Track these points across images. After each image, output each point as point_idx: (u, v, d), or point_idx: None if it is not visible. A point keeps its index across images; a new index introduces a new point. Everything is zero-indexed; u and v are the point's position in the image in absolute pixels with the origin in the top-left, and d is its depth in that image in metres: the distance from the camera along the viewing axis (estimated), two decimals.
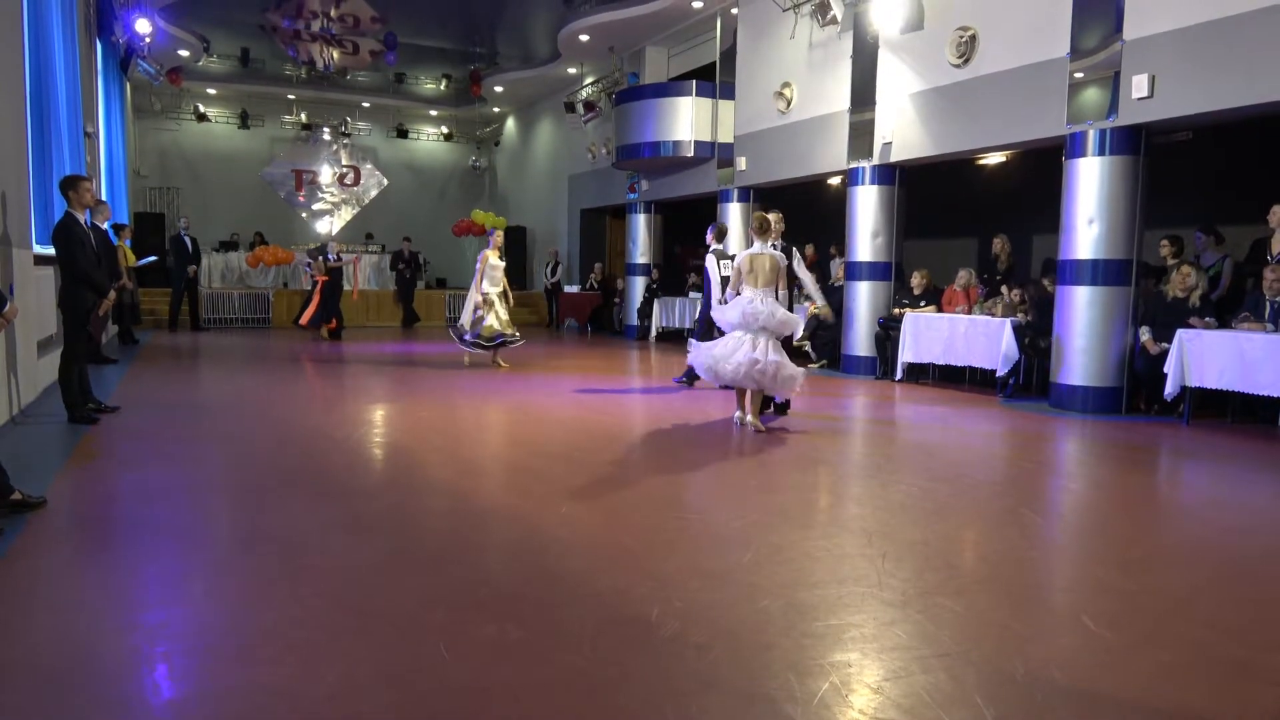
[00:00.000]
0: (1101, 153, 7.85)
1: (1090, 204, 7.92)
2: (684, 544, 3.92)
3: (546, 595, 3.28)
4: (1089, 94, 7.94)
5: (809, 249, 11.89)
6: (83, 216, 6.42)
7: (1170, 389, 7.22)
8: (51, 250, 6.71)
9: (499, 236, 10.62)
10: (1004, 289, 9.35)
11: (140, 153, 20.35)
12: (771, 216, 7.03)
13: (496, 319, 10.31)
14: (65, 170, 9.17)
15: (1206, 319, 7.37)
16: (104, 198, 11.83)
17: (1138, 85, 7.48)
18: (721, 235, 8.83)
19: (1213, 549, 4.11)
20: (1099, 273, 7.93)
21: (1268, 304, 7.07)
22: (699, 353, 6.67)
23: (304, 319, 14.58)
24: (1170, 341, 7.28)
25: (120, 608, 3.15)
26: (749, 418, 6.72)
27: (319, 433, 6.54)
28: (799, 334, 8.18)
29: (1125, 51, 7.61)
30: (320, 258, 14.64)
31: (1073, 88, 8.08)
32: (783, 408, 7.48)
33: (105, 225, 9.95)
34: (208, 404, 8.16)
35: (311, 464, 5.52)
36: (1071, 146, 8.10)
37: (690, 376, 9.24)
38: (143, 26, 13.58)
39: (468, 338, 10.41)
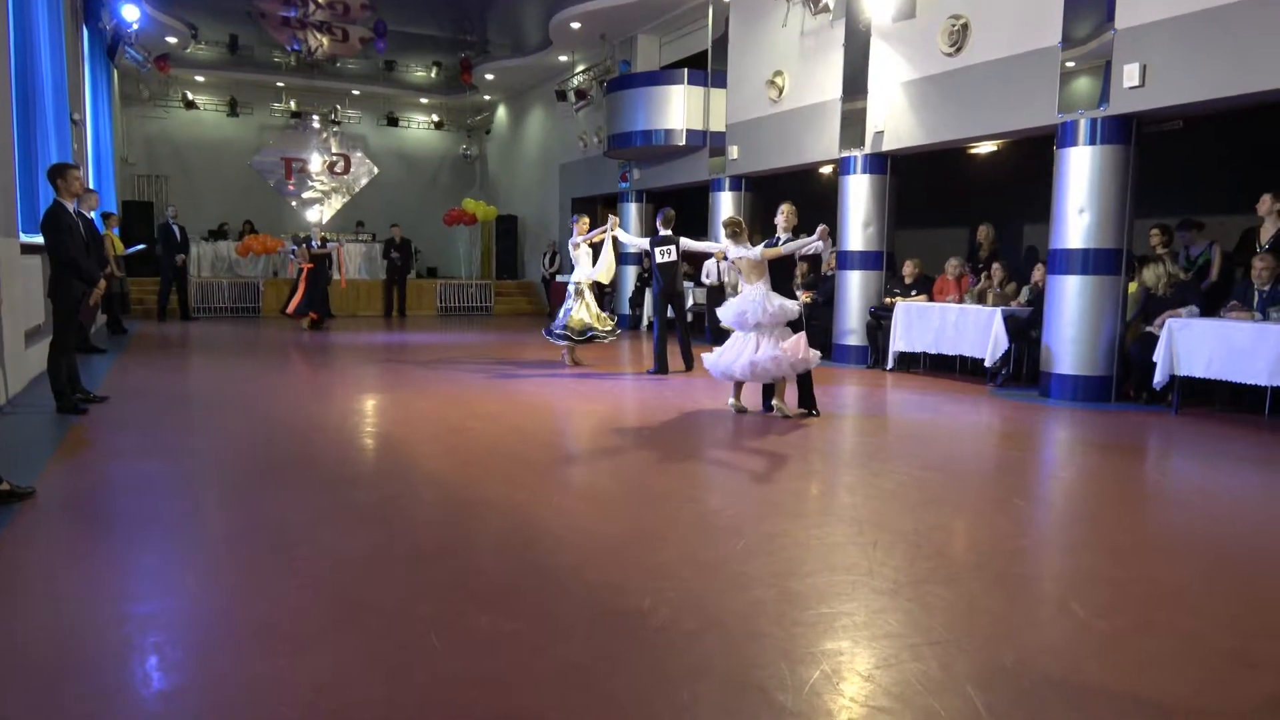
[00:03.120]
0: (1092, 142, 7.86)
1: (1081, 193, 7.93)
2: (675, 534, 3.92)
3: (539, 586, 3.28)
4: (1080, 83, 7.94)
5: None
6: (71, 205, 6.38)
7: (1159, 378, 7.27)
8: (38, 239, 6.66)
9: (584, 222, 9.87)
10: (985, 274, 9.41)
11: (128, 141, 20.16)
12: (785, 207, 7.11)
13: (586, 310, 9.69)
14: (51, 158, 9.10)
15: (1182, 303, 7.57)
16: (91, 186, 11.74)
17: (1129, 74, 7.48)
18: (669, 222, 9.20)
19: (1201, 537, 4.14)
20: (1089, 262, 7.95)
21: (1256, 293, 7.11)
22: (713, 364, 7.08)
23: (290, 308, 14.52)
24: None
25: (110, 598, 3.14)
26: (775, 403, 7.01)
27: (310, 423, 6.52)
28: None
29: (1117, 40, 7.61)
30: (304, 244, 14.57)
31: (1064, 76, 8.08)
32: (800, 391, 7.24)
33: (93, 214, 9.87)
34: (197, 394, 8.12)
35: (303, 455, 5.51)
36: (1062, 135, 8.11)
37: (661, 367, 9.47)
38: (130, 13, 13.46)
39: (556, 330, 9.76)
